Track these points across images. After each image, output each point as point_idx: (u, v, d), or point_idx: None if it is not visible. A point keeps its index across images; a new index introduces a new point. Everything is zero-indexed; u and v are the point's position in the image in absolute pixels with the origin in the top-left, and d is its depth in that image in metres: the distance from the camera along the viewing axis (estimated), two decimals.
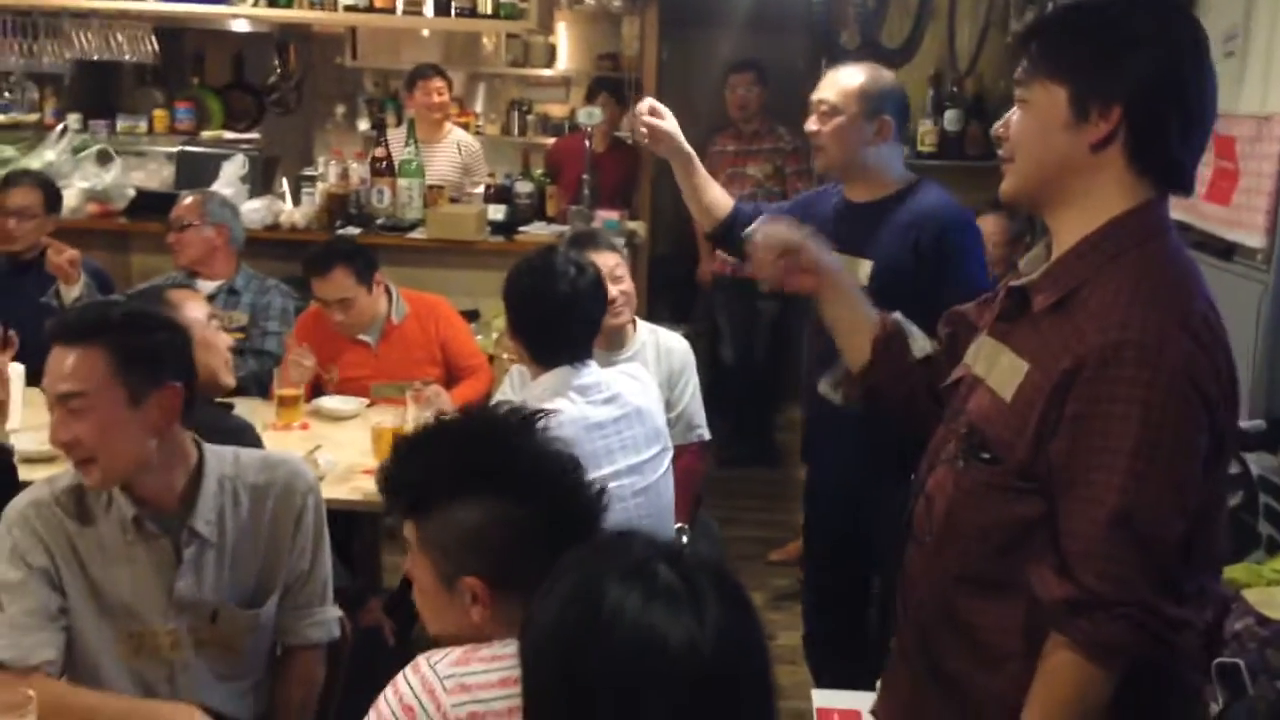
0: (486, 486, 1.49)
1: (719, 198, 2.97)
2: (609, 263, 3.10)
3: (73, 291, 3.80)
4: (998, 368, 1.62)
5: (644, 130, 2.79)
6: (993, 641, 1.59)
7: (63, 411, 1.91)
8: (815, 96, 2.77)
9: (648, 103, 2.81)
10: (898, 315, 1.98)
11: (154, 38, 5.39)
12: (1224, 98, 3.26)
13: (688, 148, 2.85)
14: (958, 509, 1.63)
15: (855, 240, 2.70)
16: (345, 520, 2.96)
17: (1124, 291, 1.48)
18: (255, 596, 2.13)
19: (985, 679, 1.61)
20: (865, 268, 2.69)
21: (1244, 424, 2.82)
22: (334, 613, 2.24)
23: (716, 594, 1.11)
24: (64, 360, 1.90)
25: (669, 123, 2.80)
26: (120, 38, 5.25)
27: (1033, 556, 1.52)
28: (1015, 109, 1.65)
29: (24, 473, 2.65)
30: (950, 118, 4.49)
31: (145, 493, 2.01)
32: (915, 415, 1.89)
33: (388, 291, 3.75)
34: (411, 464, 1.55)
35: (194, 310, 2.61)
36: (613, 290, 3.05)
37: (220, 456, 2.10)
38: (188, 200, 3.98)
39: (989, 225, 3.35)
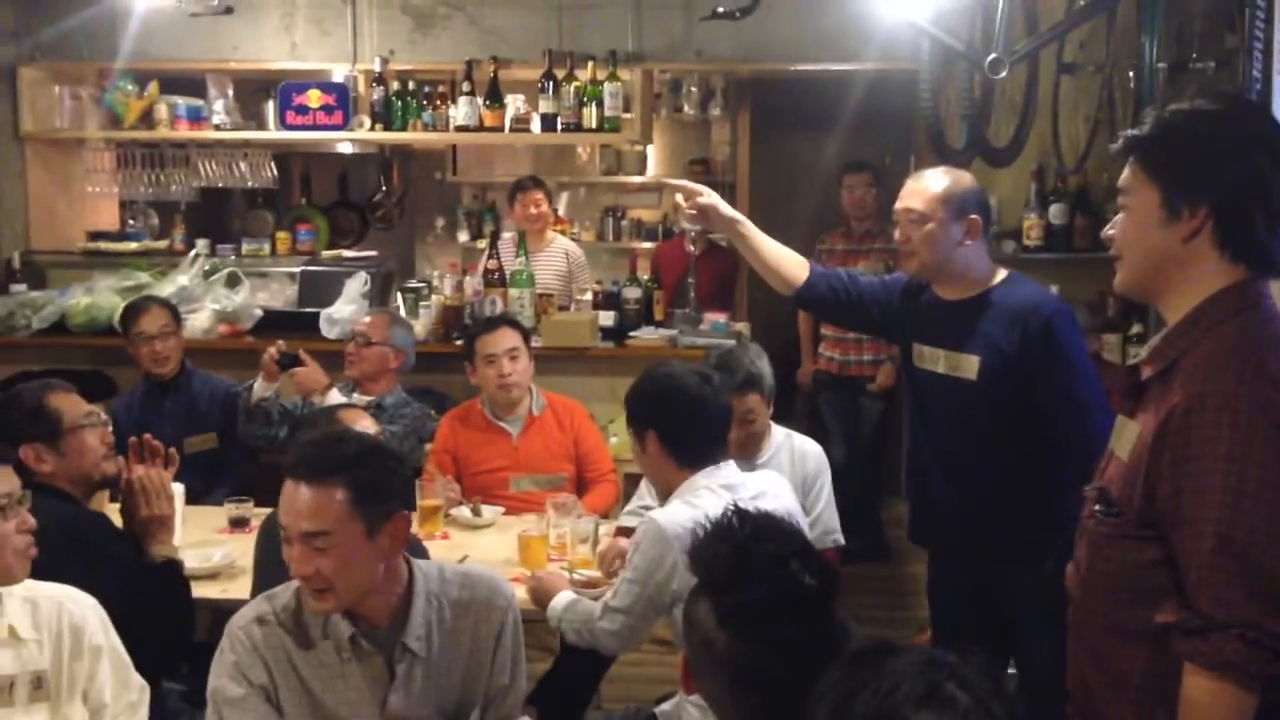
0: (712, 601, 1.56)
1: (787, 258, 3.01)
2: (745, 405, 3.13)
3: (267, 390, 3.99)
4: (1123, 437, 1.82)
5: (691, 214, 2.91)
6: (1144, 687, 1.74)
7: (305, 548, 1.99)
8: (901, 205, 2.85)
9: (682, 189, 2.95)
10: None
11: (273, 164, 5.64)
12: None
13: (734, 214, 2.95)
14: (1094, 562, 1.83)
15: (955, 336, 2.80)
16: None
17: (1212, 354, 1.69)
18: (459, 711, 2.18)
19: None
20: (972, 363, 2.77)
21: None
22: None
23: (1001, 706, 1.15)
24: (302, 497, 1.99)
25: (707, 196, 2.91)
26: (243, 165, 5.51)
27: (1159, 597, 1.70)
28: (1120, 212, 1.86)
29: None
30: (1055, 211, 4.54)
31: (363, 611, 2.09)
32: None
33: (530, 388, 3.92)
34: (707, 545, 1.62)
35: (363, 429, 2.72)
36: (738, 430, 3.04)
37: (427, 573, 2.17)
38: (371, 318, 4.18)
39: None
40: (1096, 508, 1.83)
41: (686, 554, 1.68)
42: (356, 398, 3.97)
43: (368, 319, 4.16)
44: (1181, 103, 1.84)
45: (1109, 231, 1.89)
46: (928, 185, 2.82)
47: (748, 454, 3.18)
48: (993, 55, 3.22)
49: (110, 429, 2.87)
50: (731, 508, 1.65)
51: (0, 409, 2.81)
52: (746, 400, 3.16)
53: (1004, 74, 3.22)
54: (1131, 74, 3.56)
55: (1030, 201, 4.61)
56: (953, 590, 3.05)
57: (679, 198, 2.95)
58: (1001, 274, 2.86)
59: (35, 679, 2.15)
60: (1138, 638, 1.73)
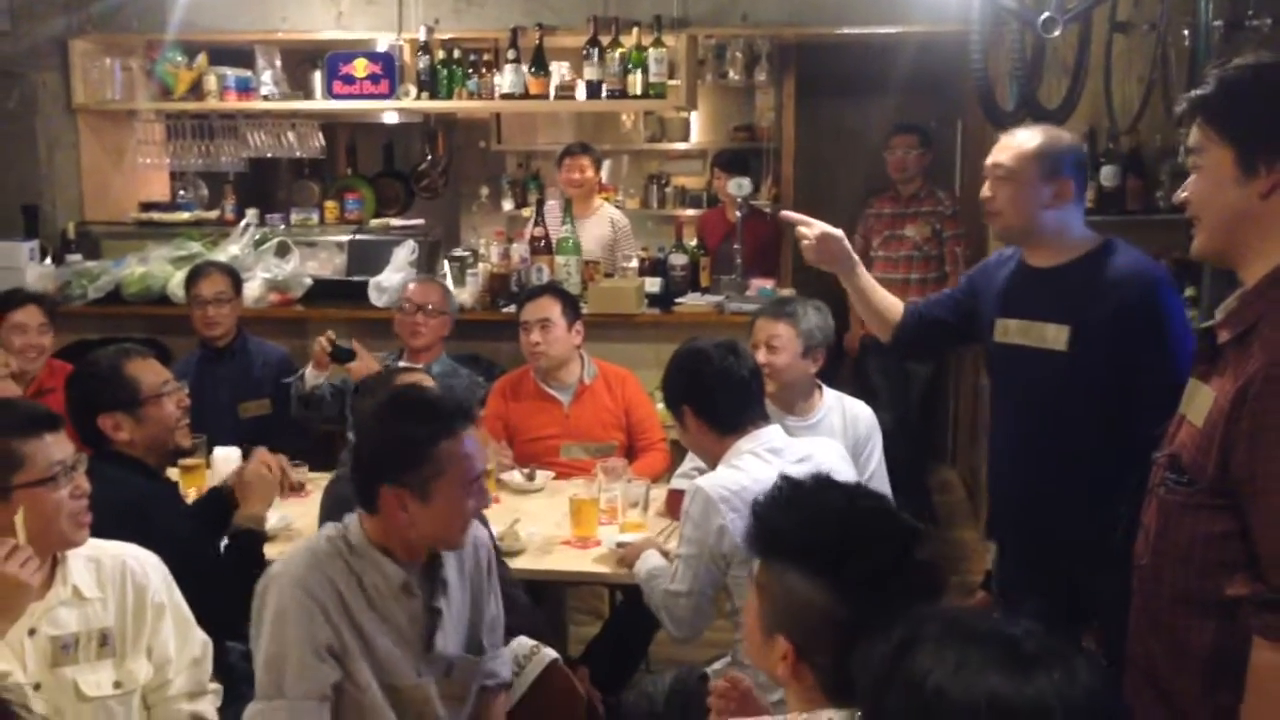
0: (829, 573, 1.53)
1: (888, 301, 2.95)
2: (770, 330, 3.21)
3: (318, 378, 4.04)
4: (1195, 401, 1.78)
5: (811, 244, 2.84)
6: (1211, 661, 1.71)
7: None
8: (990, 161, 2.72)
9: (792, 217, 2.90)
10: None
11: (320, 134, 5.67)
12: None
13: (852, 254, 2.89)
14: (1164, 532, 1.79)
15: (1044, 306, 2.64)
16: (535, 590, 3.06)
17: None
18: (473, 645, 2.30)
19: (1208, 698, 1.72)
20: (1062, 333, 2.60)
21: None
22: (505, 649, 2.44)
23: (1079, 655, 1.13)
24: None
25: (829, 229, 2.85)
26: (291, 136, 5.55)
27: (1231, 570, 1.66)
28: (1191, 174, 1.83)
29: None
30: (1107, 173, 4.47)
31: (409, 555, 2.17)
32: None
33: (580, 356, 3.95)
34: (783, 511, 1.61)
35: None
36: (761, 358, 3.15)
37: None
38: (425, 285, 4.22)
39: None
40: (1167, 475, 1.79)
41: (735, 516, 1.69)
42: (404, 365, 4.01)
43: (425, 288, 4.19)
44: (1244, 59, 1.81)
45: (1182, 194, 1.86)
46: (1021, 141, 2.66)
47: (779, 393, 3.22)
48: (1046, 14, 3.16)
49: (186, 392, 2.88)
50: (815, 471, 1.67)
51: (77, 377, 2.82)
52: (775, 325, 3.24)
53: (1058, 33, 3.16)
54: (1186, 32, 3.49)
55: None
56: (1028, 590, 2.77)
57: (800, 229, 2.86)
58: (1099, 240, 2.68)
59: (101, 636, 2.19)
60: (1206, 610, 1.69)
